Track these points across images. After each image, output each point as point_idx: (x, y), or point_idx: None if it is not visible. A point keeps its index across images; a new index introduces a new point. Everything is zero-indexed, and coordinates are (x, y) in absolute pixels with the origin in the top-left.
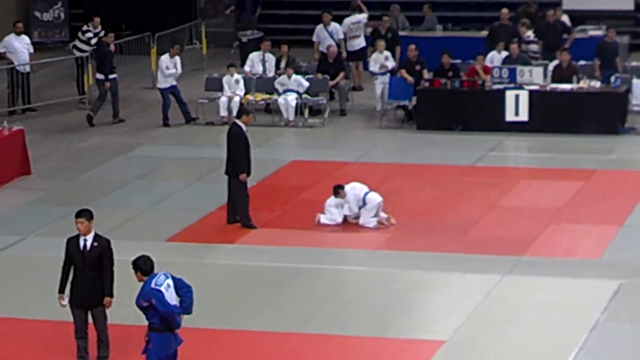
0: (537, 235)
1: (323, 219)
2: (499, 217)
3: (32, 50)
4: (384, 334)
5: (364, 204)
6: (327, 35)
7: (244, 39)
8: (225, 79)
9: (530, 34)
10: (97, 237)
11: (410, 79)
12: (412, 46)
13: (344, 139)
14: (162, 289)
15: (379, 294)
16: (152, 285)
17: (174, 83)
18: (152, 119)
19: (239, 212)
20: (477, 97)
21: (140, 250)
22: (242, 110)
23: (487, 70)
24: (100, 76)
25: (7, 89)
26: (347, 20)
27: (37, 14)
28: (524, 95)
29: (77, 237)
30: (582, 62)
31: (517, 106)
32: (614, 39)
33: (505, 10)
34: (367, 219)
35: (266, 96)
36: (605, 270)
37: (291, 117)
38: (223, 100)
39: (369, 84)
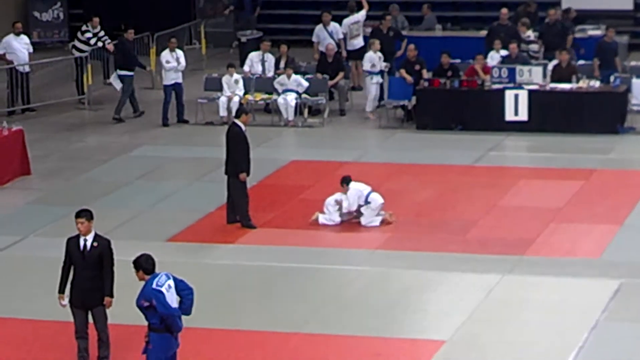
0: (537, 234)
1: (322, 218)
2: (498, 217)
3: (31, 50)
4: (385, 333)
5: (366, 202)
6: (327, 35)
7: (243, 39)
8: (224, 79)
9: (530, 34)
10: (97, 237)
11: (409, 78)
12: (412, 46)
13: (344, 139)
14: (163, 289)
15: (379, 293)
16: (154, 285)
17: (179, 80)
18: (152, 119)
19: (238, 212)
20: (477, 96)
21: (141, 250)
22: (241, 110)
23: (487, 70)
24: (122, 72)
25: (6, 89)
26: (346, 21)
27: (36, 14)
28: (523, 95)
29: (77, 237)
30: (581, 62)
31: (516, 106)
32: (613, 38)
33: (504, 10)
34: (370, 219)
35: (265, 96)
36: (606, 269)
37: (290, 117)
38: (222, 100)
39: None
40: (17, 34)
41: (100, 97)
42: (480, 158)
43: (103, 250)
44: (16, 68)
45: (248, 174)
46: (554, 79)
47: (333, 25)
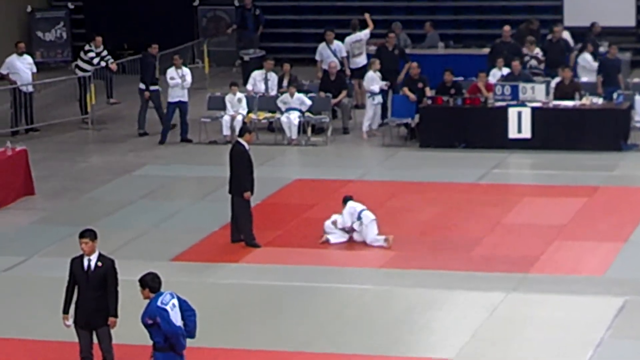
0: (541, 252)
1: (332, 238)
2: (502, 235)
3: (34, 70)
4: (389, 352)
5: (359, 219)
6: (330, 53)
7: (246, 58)
8: (227, 98)
9: (538, 51)
10: (101, 257)
11: (412, 96)
12: (414, 64)
13: (347, 157)
14: (168, 308)
15: (383, 312)
16: (158, 303)
17: (183, 99)
18: (155, 139)
19: (242, 231)
20: (480, 114)
21: (145, 269)
22: (244, 129)
23: (489, 88)
24: (141, 85)
25: (10, 109)
26: (348, 39)
27: (40, 34)
28: (526, 113)
29: (81, 257)
30: (584, 79)
31: (519, 123)
32: (616, 55)
33: (507, 28)
34: (373, 237)
35: (269, 115)
36: (610, 287)
37: (294, 135)
38: (226, 119)
39: None
40: (20, 54)
41: (104, 117)
42: (483, 176)
43: (107, 270)
44: (19, 88)
45: (252, 193)
46: (557, 96)
47: (336, 44)
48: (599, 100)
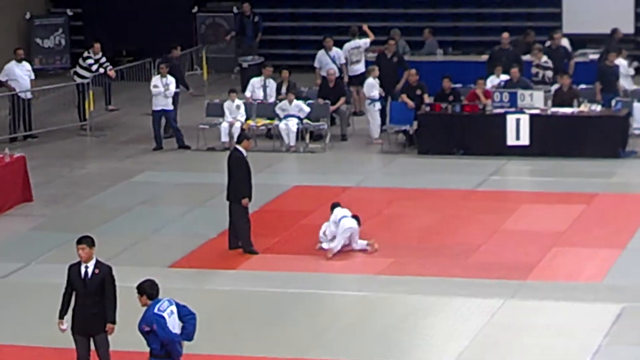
0: (539, 259)
1: (326, 247)
2: (501, 241)
3: (33, 76)
4: (387, 358)
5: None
6: (329, 60)
7: (245, 65)
8: (226, 105)
9: (546, 59)
10: (98, 263)
11: (411, 103)
12: (413, 71)
13: (345, 164)
14: (165, 314)
15: (381, 319)
16: (155, 310)
17: (167, 107)
18: (153, 145)
19: (240, 237)
20: (478, 121)
21: (143, 276)
22: (242, 136)
23: (488, 95)
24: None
25: (8, 116)
26: (347, 45)
27: (38, 40)
28: (524, 120)
29: (79, 263)
30: (582, 86)
31: (518, 130)
32: (614, 62)
33: (505, 35)
34: (358, 242)
35: (267, 121)
36: (608, 293)
37: (292, 142)
38: (224, 125)
39: None
40: (19, 61)
41: (102, 124)
42: (481, 183)
43: (105, 277)
44: (18, 95)
45: (250, 200)
46: (556, 103)
47: (335, 51)
48: (598, 107)
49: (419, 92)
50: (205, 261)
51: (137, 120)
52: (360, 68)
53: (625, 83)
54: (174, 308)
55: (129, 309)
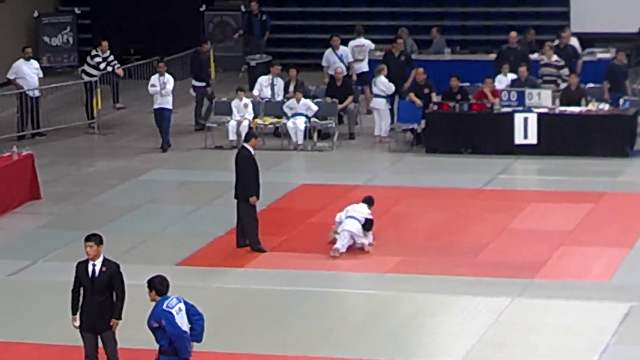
0: (547, 258)
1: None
2: (508, 240)
3: (41, 75)
4: (394, 357)
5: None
6: (337, 59)
7: (253, 63)
8: (233, 103)
9: (556, 58)
10: (106, 261)
11: (418, 102)
12: (421, 69)
13: (353, 163)
14: (173, 311)
15: (389, 317)
16: (164, 306)
17: (165, 105)
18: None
19: (248, 235)
20: (486, 120)
21: (150, 274)
22: (250, 134)
23: (496, 93)
24: (196, 83)
25: (16, 114)
26: (351, 44)
27: (46, 38)
28: (532, 118)
29: (86, 261)
30: (590, 85)
31: (525, 129)
32: (623, 61)
33: (513, 34)
34: (362, 238)
35: (275, 120)
36: (616, 292)
37: (300, 140)
38: (232, 124)
39: None
40: (27, 59)
41: (110, 122)
42: (489, 181)
43: (112, 275)
44: (26, 93)
45: (258, 198)
46: (564, 102)
47: (342, 49)
48: (606, 107)
49: (426, 90)
50: (213, 259)
51: (144, 118)
52: (363, 67)
53: None
54: (182, 306)
55: (137, 307)
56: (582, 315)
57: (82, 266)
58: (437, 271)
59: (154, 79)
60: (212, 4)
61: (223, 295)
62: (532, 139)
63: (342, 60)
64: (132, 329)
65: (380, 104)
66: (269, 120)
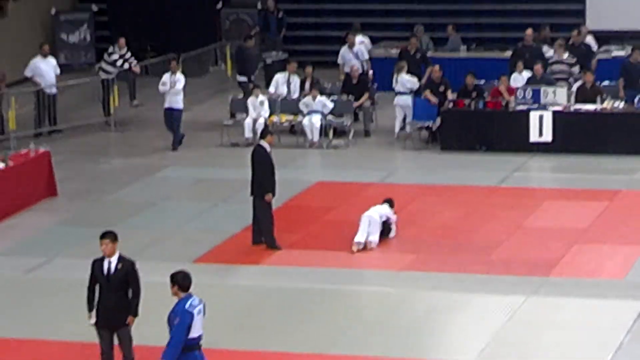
0: (562, 255)
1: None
2: (523, 238)
3: (58, 72)
4: (409, 355)
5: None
6: (352, 56)
7: (269, 61)
8: (249, 101)
9: (569, 55)
10: (121, 258)
11: (434, 99)
12: (436, 67)
13: (369, 160)
14: (195, 312)
15: (404, 315)
16: (187, 305)
17: (174, 105)
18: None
19: (264, 233)
20: (501, 117)
21: (167, 271)
22: (266, 131)
23: (511, 91)
24: (241, 78)
25: (33, 111)
26: (357, 38)
27: (63, 36)
28: (547, 116)
29: (102, 258)
30: (606, 83)
31: (541, 127)
32: (638, 59)
33: (529, 31)
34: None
35: (291, 117)
36: (630, 290)
37: (315, 138)
38: (248, 121)
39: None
40: (45, 56)
41: (127, 119)
42: (504, 179)
43: (128, 272)
44: (43, 90)
45: (274, 195)
46: (579, 100)
47: (358, 47)
48: (621, 104)
49: (442, 88)
50: (229, 256)
51: (161, 115)
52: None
53: None
54: (202, 307)
55: (153, 304)
56: (597, 313)
57: (97, 263)
58: (451, 269)
59: (166, 77)
60: (229, 2)
61: (239, 292)
62: (547, 137)
63: (357, 58)
64: (148, 326)
65: (404, 100)
66: (285, 117)
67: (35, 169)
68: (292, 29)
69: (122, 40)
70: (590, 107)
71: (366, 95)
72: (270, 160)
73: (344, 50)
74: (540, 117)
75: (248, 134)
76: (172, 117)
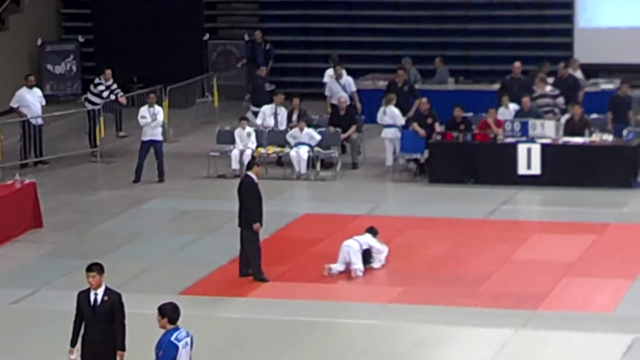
0: (551, 289)
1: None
2: (512, 271)
3: (44, 103)
4: None
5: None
6: (340, 88)
7: None
8: (237, 132)
9: (552, 88)
10: (107, 290)
11: (422, 132)
12: (424, 99)
13: (356, 192)
14: (180, 345)
15: (391, 347)
16: (172, 338)
17: (156, 137)
18: (164, 172)
19: (251, 265)
20: (489, 150)
21: (153, 303)
22: (252, 162)
23: (499, 124)
24: (254, 108)
25: (19, 142)
26: (328, 72)
27: (49, 66)
28: (536, 149)
29: (88, 290)
30: (594, 116)
31: (529, 160)
32: (627, 93)
33: (517, 64)
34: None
35: (278, 149)
36: (619, 324)
37: (303, 170)
38: (235, 153)
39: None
40: (30, 87)
41: (113, 150)
42: (493, 212)
43: (114, 304)
44: (29, 121)
45: (261, 225)
46: (567, 133)
47: (345, 79)
48: (609, 137)
49: (430, 120)
50: (216, 288)
51: None
52: None
53: None
54: (189, 340)
55: (138, 336)
56: (586, 347)
57: (83, 295)
58: (440, 302)
59: (144, 110)
60: (216, 33)
61: (226, 324)
62: (536, 170)
63: (345, 90)
64: (134, 359)
65: (392, 133)
66: (272, 149)
67: (20, 200)
68: (279, 60)
69: (109, 72)
70: (578, 140)
71: (354, 127)
72: (258, 190)
73: (331, 82)
74: (529, 150)
75: (235, 165)
76: (155, 149)
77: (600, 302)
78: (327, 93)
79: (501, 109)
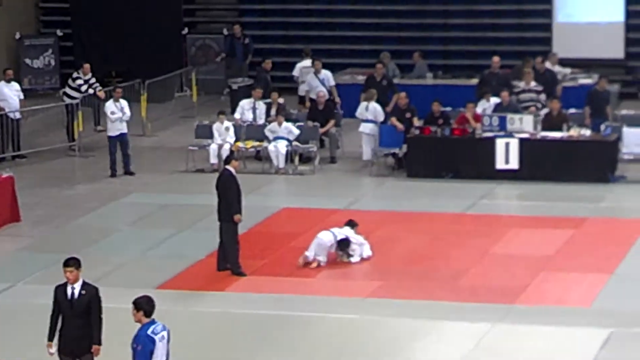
0: (528, 283)
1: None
2: (489, 265)
3: (22, 97)
4: None
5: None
6: (319, 83)
7: (235, 87)
8: (215, 127)
9: (536, 84)
10: (85, 285)
11: (400, 126)
12: (403, 94)
13: (334, 187)
14: (157, 338)
15: (369, 342)
16: (149, 331)
17: (124, 131)
18: (142, 166)
19: (229, 259)
20: (468, 145)
21: (130, 297)
22: (231, 157)
23: (478, 118)
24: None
25: None
26: (299, 65)
27: (28, 61)
28: (514, 144)
29: (65, 285)
30: (572, 110)
31: (507, 154)
32: (605, 87)
33: (496, 59)
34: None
35: (256, 143)
36: (596, 318)
37: (281, 164)
38: (213, 147)
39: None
40: (8, 81)
41: (91, 144)
42: (471, 206)
43: (91, 298)
44: (7, 115)
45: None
46: (545, 128)
47: (324, 73)
48: (587, 132)
49: (408, 115)
50: (193, 283)
51: None
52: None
53: None
54: (165, 334)
55: (116, 330)
56: (563, 341)
57: (60, 289)
58: (417, 296)
59: (111, 105)
60: (195, 27)
61: (203, 319)
62: (514, 164)
63: (323, 84)
64: (111, 353)
65: (371, 128)
66: (251, 143)
67: None
68: (258, 54)
69: (87, 66)
70: (556, 134)
71: (332, 122)
72: (237, 183)
73: (310, 76)
74: (507, 145)
75: (213, 159)
76: (122, 143)
77: (577, 296)
78: (305, 88)
79: (482, 102)
